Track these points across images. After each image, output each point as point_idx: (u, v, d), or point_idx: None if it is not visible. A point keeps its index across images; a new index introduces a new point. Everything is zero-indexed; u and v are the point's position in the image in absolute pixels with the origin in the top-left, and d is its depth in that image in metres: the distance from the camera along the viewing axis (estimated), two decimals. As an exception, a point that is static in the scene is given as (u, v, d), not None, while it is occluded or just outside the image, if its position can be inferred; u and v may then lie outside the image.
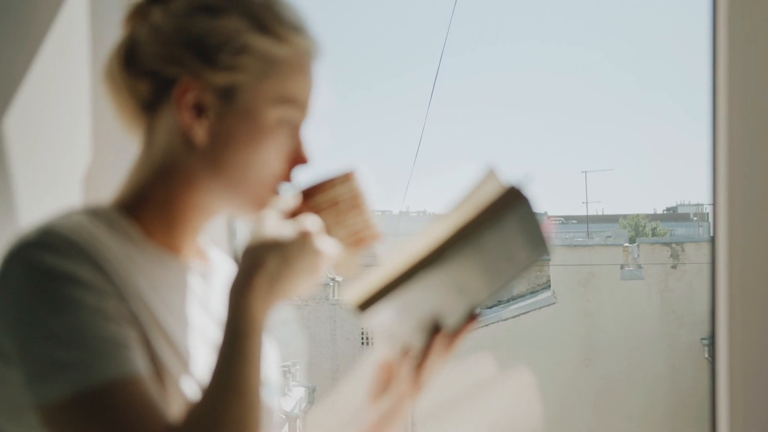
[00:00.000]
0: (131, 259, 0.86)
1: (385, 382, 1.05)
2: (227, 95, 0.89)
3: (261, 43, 0.89)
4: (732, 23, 1.29)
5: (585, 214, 22.23)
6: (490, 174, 0.92)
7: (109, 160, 1.39)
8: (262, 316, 0.83)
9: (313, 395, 11.68)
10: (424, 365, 1.01)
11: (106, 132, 1.39)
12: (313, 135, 0.95)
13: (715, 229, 1.36)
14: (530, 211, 0.91)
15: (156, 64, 0.90)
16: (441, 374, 1.03)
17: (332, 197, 0.91)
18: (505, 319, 13.59)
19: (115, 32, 0.95)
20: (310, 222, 0.87)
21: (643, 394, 12.96)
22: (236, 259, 0.86)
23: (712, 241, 1.38)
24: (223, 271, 1.01)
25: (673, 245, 13.61)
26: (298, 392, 11.13)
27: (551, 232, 0.99)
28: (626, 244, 14.10)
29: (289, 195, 0.92)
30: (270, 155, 0.91)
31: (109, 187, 0.95)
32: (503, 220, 0.89)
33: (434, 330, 1.00)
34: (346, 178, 0.92)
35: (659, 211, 38.95)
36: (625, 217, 33.29)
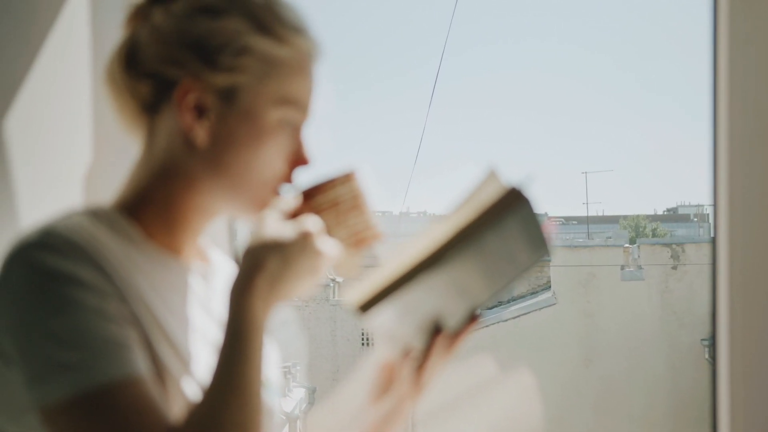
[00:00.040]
0: (132, 260, 0.86)
1: (385, 383, 1.05)
2: (228, 96, 0.89)
3: (262, 44, 0.89)
4: (732, 24, 1.30)
5: (585, 214, 22.21)
6: (491, 175, 0.92)
7: (109, 161, 1.39)
8: (262, 316, 0.83)
9: (313, 396, 11.67)
10: (424, 366, 1.01)
11: (107, 133, 1.39)
12: (313, 136, 0.95)
13: (716, 229, 1.36)
14: (531, 212, 0.91)
15: (157, 65, 0.90)
16: (441, 375, 1.03)
17: (333, 198, 0.91)
18: (506, 320, 13.58)
19: (115, 33, 0.95)
20: (311, 222, 0.87)
21: (643, 394, 12.96)
22: (237, 260, 0.86)
23: (713, 241, 1.38)
24: (223, 271, 1.01)
25: (674, 246, 13.60)
26: (299, 393, 11.11)
27: (552, 232, 0.98)
28: (626, 245, 14.09)
29: (289, 196, 0.92)
30: (271, 156, 0.91)
31: (110, 188, 0.95)
32: (504, 221, 0.89)
33: (435, 331, 1.00)
34: (346, 178, 0.92)
35: (660, 212, 39.02)
36: (625, 217, 33.26)
